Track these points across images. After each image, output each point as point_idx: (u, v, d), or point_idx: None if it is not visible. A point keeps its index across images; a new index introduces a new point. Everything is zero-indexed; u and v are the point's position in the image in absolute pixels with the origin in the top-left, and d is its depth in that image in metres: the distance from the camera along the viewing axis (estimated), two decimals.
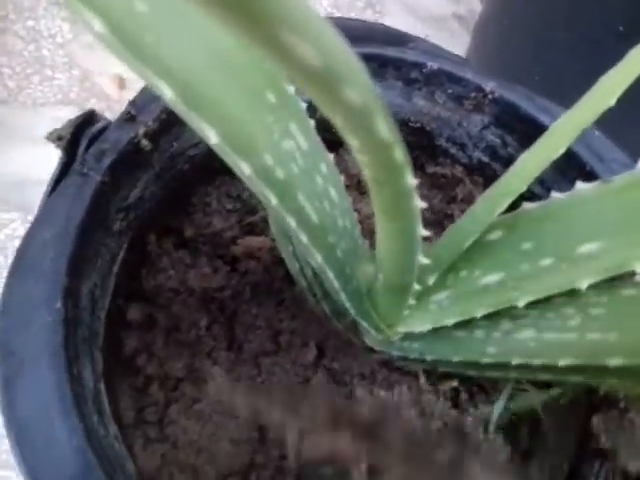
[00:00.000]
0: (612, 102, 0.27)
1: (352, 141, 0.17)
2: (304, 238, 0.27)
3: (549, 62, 0.77)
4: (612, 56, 0.26)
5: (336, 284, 0.31)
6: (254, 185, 0.24)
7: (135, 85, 0.76)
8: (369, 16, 0.99)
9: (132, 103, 0.34)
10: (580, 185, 0.30)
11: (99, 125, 0.33)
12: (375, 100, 0.15)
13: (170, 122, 0.36)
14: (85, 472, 0.26)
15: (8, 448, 0.57)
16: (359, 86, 0.14)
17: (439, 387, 0.39)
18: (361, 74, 0.14)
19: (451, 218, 0.47)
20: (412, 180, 0.20)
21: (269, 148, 0.25)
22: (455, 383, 0.39)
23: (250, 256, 0.44)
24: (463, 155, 0.47)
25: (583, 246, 0.29)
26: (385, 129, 0.16)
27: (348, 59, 0.14)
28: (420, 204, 0.22)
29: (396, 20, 0.99)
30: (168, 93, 0.20)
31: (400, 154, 0.18)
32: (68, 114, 0.74)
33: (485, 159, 0.46)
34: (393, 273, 0.30)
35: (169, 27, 0.20)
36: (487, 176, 0.47)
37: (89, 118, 0.33)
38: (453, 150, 0.47)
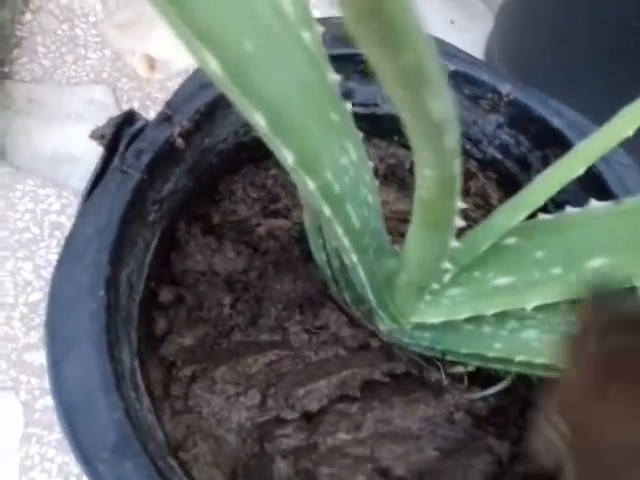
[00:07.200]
0: (630, 133, 0.28)
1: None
2: (346, 242, 0.29)
3: (572, 45, 0.77)
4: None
5: (364, 279, 0.33)
6: (313, 199, 0.26)
7: (164, 66, 0.78)
8: None
9: (167, 105, 0.37)
10: (594, 203, 0.31)
11: (138, 125, 0.36)
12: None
13: (202, 122, 0.39)
14: (124, 442, 0.30)
15: (42, 408, 0.61)
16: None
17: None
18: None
19: (463, 211, 0.49)
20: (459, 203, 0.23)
21: (331, 165, 0.26)
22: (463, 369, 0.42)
23: (271, 235, 0.47)
24: (477, 151, 0.49)
25: (592, 260, 0.30)
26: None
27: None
28: (459, 223, 0.24)
29: (420, 1, 0.98)
30: (261, 122, 0.21)
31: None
32: (100, 94, 0.77)
33: (498, 156, 0.48)
34: (417, 275, 0.32)
35: (267, 63, 0.21)
36: (500, 172, 0.49)
37: (129, 118, 0.36)
38: (468, 146, 0.49)
